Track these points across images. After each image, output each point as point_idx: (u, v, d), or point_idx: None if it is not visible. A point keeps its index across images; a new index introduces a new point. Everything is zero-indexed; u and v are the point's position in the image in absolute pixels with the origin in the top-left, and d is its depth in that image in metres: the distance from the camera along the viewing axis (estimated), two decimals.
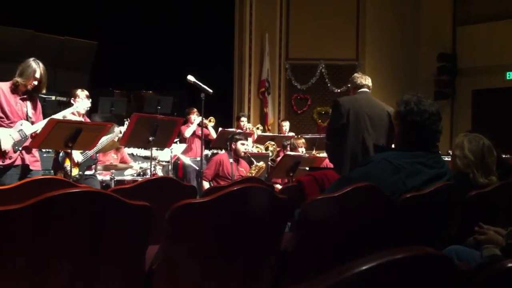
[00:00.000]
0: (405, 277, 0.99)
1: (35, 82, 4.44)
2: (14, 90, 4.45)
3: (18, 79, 4.41)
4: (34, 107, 4.61)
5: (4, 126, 4.38)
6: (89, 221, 1.66)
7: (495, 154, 3.08)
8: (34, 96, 4.61)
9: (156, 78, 11.67)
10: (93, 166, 5.63)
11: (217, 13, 11.67)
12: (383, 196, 2.34)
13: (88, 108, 5.19)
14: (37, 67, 4.43)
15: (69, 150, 4.72)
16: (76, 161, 5.24)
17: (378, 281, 0.95)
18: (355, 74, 4.83)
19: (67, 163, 5.22)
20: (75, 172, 5.25)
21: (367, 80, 4.69)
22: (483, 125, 10.14)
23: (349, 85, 4.88)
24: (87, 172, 5.45)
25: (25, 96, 4.50)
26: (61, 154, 5.26)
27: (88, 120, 5.65)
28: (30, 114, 4.51)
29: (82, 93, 5.46)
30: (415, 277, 1.00)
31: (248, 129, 8.93)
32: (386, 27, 11.66)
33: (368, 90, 4.66)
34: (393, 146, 3.23)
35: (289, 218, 2.47)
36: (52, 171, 6.32)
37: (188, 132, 7.93)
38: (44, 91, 4.65)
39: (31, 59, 4.48)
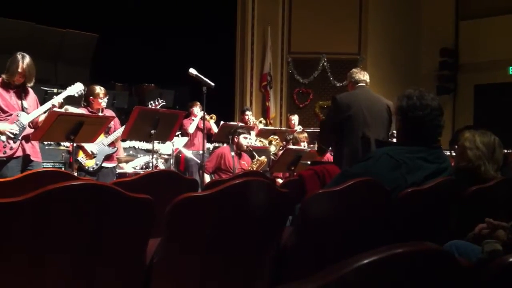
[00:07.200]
0: (405, 272, 0.99)
1: (20, 77, 4.47)
2: (6, 84, 4.49)
3: (3, 76, 4.50)
4: (29, 98, 4.63)
5: (1, 120, 4.41)
6: (90, 214, 1.66)
7: (502, 151, 3.08)
8: (26, 88, 4.62)
9: (158, 71, 11.65)
10: (114, 155, 5.58)
11: (219, 6, 11.63)
12: (384, 191, 2.34)
13: (81, 92, 5.12)
14: (20, 62, 4.44)
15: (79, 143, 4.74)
16: (90, 152, 5.25)
17: (379, 276, 0.95)
18: (353, 70, 4.85)
19: (81, 155, 5.24)
20: (90, 162, 5.26)
21: (365, 76, 4.70)
22: (485, 120, 10.12)
23: (346, 81, 4.91)
24: (106, 164, 5.43)
25: (17, 89, 4.53)
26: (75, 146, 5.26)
27: (111, 113, 5.56)
28: (25, 105, 4.55)
29: (101, 91, 5.39)
30: (415, 272, 1.00)
31: (252, 123, 8.92)
32: (389, 22, 11.63)
33: (366, 85, 4.68)
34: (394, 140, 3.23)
35: (290, 212, 2.47)
36: (52, 164, 6.34)
37: (191, 128, 7.92)
38: (31, 84, 4.63)
39: (18, 53, 4.50)
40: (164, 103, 5.96)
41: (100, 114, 5.36)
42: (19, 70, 4.44)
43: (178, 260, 1.90)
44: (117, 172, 5.86)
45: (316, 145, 5.10)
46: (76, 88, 5.03)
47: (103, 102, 5.41)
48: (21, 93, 4.57)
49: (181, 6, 11.78)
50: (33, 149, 4.60)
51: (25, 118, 4.49)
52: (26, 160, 4.52)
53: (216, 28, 11.58)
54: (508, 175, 3.17)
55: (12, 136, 4.39)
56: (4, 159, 4.40)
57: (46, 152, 6.42)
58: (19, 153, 4.47)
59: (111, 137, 5.39)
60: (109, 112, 5.57)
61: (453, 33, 12.29)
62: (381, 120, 4.50)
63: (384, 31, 11.63)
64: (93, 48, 11.46)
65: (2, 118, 4.43)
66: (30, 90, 4.70)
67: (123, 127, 5.35)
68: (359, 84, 4.64)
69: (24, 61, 4.45)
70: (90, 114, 5.22)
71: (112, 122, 5.33)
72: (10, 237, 1.53)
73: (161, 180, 2.95)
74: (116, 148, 5.53)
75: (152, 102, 5.87)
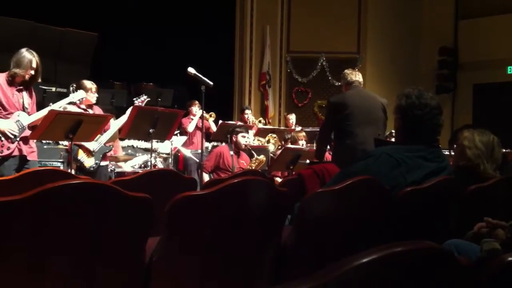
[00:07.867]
0: (405, 271, 0.99)
1: (32, 72, 4.45)
2: (11, 81, 4.45)
3: (16, 70, 4.40)
4: (30, 98, 4.62)
5: (2, 117, 4.39)
6: (89, 213, 1.65)
7: (501, 150, 3.09)
8: (29, 86, 4.61)
9: (157, 70, 11.64)
10: (110, 153, 5.60)
11: (218, 5, 11.63)
12: (383, 190, 2.34)
13: (83, 99, 5.15)
14: (32, 57, 4.43)
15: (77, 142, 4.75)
16: (92, 150, 5.25)
17: (378, 275, 0.94)
18: (346, 71, 4.89)
19: (81, 155, 5.23)
20: (90, 162, 5.26)
21: (357, 76, 4.76)
22: (484, 119, 10.13)
23: (340, 82, 4.96)
24: (103, 163, 5.43)
25: (21, 87, 4.51)
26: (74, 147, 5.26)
27: (100, 110, 5.59)
28: (26, 105, 4.52)
29: (93, 86, 5.43)
30: (415, 271, 1.00)
31: (251, 122, 8.93)
32: (388, 21, 11.62)
33: (360, 85, 4.73)
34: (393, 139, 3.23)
35: (289, 211, 2.47)
36: (50, 163, 6.33)
37: (190, 126, 7.91)
38: (40, 80, 4.64)
39: (24, 49, 4.47)
40: (148, 99, 5.94)
41: (90, 111, 5.34)
42: (33, 65, 4.42)
43: (178, 259, 1.90)
44: (115, 171, 5.87)
45: (315, 148, 5.10)
46: (79, 96, 5.04)
47: (94, 97, 5.42)
48: (23, 92, 4.55)
49: (180, 6, 11.77)
50: (30, 148, 4.59)
51: (25, 119, 4.46)
52: (23, 159, 4.51)
53: (215, 28, 11.57)
54: (507, 174, 3.18)
55: (12, 137, 4.38)
56: (0, 158, 4.39)
57: (44, 151, 6.41)
58: (16, 152, 4.45)
59: (106, 135, 5.37)
60: (98, 109, 5.56)
61: (453, 32, 12.30)
62: (377, 118, 4.55)
63: (383, 30, 11.62)
64: (93, 47, 11.45)
65: (2, 115, 4.40)
66: (32, 90, 4.69)
67: (117, 121, 5.35)
68: (353, 84, 4.69)
69: (35, 55, 4.45)
70: (89, 113, 5.22)
71: None
72: (9, 236, 1.52)
73: (160, 179, 2.95)
74: (111, 146, 5.54)
75: (135, 98, 5.86)
